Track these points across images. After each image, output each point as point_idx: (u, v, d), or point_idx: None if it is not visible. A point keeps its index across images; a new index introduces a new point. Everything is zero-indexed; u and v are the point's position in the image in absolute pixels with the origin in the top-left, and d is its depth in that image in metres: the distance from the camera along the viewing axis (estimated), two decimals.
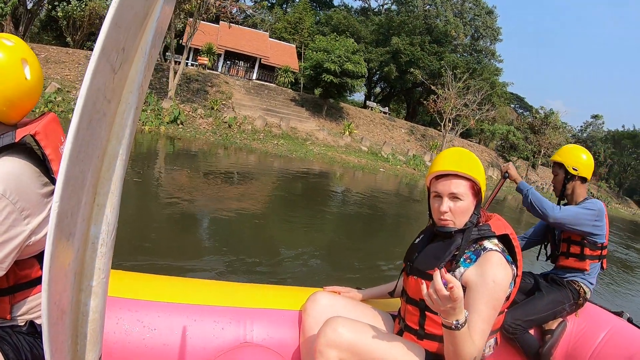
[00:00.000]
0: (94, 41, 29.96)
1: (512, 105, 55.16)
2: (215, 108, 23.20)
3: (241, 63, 35.13)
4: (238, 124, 22.58)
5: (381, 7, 54.34)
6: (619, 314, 2.89)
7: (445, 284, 1.49)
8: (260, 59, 33.04)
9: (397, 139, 31.93)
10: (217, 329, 2.11)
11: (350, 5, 55.77)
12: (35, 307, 1.56)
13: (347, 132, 27.39)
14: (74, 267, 0.86)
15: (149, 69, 0.92)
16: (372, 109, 35.01)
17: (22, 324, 1.54)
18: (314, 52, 28.14)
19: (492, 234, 1.85)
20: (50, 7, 26.42)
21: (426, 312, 1.85)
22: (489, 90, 34.70)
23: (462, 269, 1.80)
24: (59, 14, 26.60)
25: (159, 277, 2.30)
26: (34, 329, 1.55)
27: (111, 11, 0.73)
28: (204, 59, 32.64)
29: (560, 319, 2.85)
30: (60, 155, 1.52)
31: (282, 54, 35.45)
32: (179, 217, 7.07)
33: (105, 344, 1.89)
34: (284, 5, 50.78)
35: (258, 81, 32.00)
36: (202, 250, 5.70)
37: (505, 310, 1.95)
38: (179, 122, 20.35)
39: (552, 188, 3.13)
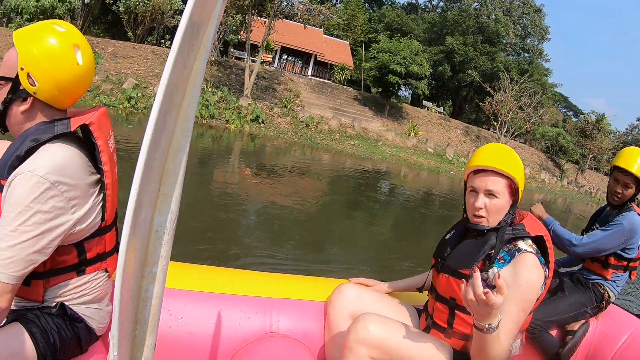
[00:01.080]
0: (156, 36, 30.54)
1: (558, 106, 53.06)
2: (288, 107, 23.28)
3: (296, 59, 35.31)
4: (315, 123, 22.63)
5: (429, 4, 53.33)
6: None
7: (486, 285, 1.45)
8: (316, 55, 33.08)
9: (454, 140, 31.44)
10: (243, 318, 2.11)
11: (396, 1, 54.53)
12: (68, 292, 1.57)
13: (413, 134, 27.12)
14: (139, 255, 0.89)
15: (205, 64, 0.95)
16: (428, 109, 34.42)
17: (53, 305, 1.56)
18: (379, 53, 28.00)
19: (527, 235, 1.79)
20: (111, 1, 26.67)
21: (456, 311, 1.83)
22: (541, 93, 33.93)
23: (495, 269, 1.74)
24: (120, 8, 26.70)
25: (187, 265, 2.30)
26: (63, 310, 1.57)
27: (188, 9, 0.76)
28: (268, 56, 32.89)
29: (583, 320, 2.74)
30: (109, 147, 1.57)
31: (337, 51, 35.39)
32: (253, 211, 7.25)
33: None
34: (335, 2, 50.47)
35: (317, 78, 32.07)
36: (253, 240, 5.78)
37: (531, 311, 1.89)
38: (260, 121, 20.56)
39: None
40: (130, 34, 27.89)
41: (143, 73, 22.41)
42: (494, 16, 43.18)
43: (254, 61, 23.28)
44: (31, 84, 1.42)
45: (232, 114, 19.81)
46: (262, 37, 23.02)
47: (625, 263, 2.74)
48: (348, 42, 36.15)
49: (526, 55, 47.70)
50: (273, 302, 2.20)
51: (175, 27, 30.00)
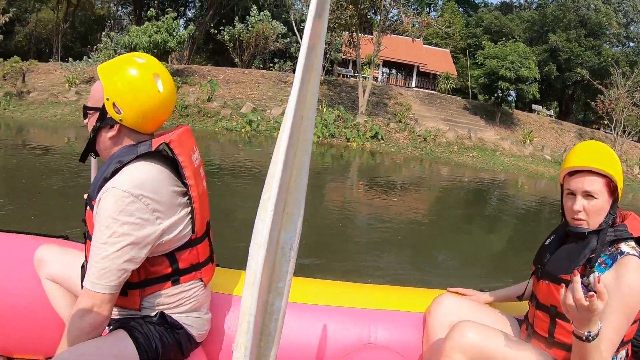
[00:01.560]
0: (261, 60, 31.82)
1: None
2: (403, 121, 23.13)
3: (398, 72, 35.06)
4: (432, 137, 22.33)
5: (524, 1, 50.47)
6: None
7: (587, 291, 1.40)
8: (419, 66, 32.63)
9: (570, 144, 29.14)
10: (342, 329, 2.13)
11: (490, 2, 52.05)
12: (165, 300, 1.65)
13: (528, 141, 25.76)
14: (268, 271, 0.93)
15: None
16: (538, 113, 32.42)
17: (153, 314, 1.64)
18: (486, 60, 27.02)
19: (630, 236, 1.69)
20: (215, 31, 28.30)
21: (557, 319, 1.75)
22: None
23: (596, 273, 1.58)
24: (225, 36, 28.12)
25: None
26: (164, 319, 1.65)
27: (306, 36, 0.80)
28: (376, 72, 33.01)
29: None
30: (193, 163, 1.65)
31: (438, 60, 34.75)
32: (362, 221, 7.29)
33: None
34: (429, 10, 49.49)
35: (423, 89, 31.59)
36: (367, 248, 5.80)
37: (638, 320, 1.76)
38: (379, 137, 20.63)
39: None
40: (237, 60, 29.13)
41: (257, 97, 23.29)
42: (593, 6, 39.55)
43: (364, 78, 23.34)
44: (117, 112, 1.54)
45: (352, 132, 19.91)
46: (372, 54, 23.03)
47: None
48: (448, 50, 35.20)
49: (631, 44, 43.69)
50: (372, 313, 2.21)
51: (279, 51, 31.07)
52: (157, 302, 1.64)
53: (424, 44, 37.12)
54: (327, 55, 29.30)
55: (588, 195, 1.72)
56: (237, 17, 29.36)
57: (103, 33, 24.59)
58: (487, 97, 28.53)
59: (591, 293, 1.36)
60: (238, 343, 0.89)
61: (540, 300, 1.83)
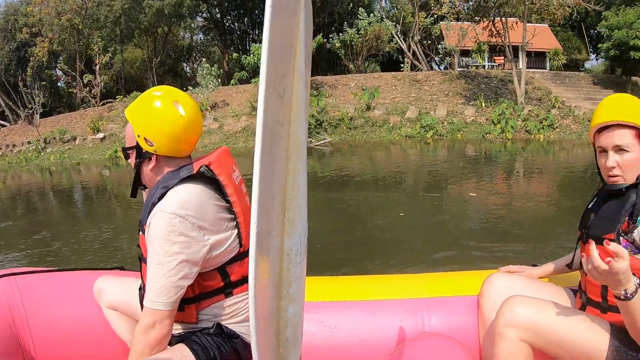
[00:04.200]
0: (377, 62, 31.22)
1: None
2: (556, 106, 21.05)
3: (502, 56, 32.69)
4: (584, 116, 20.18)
5: None
6: None
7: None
8: (523, 46, 29.99)
9: None
10: (395, 321, 2.09)
11: None
12: (220, 312, 1.70)
13: None
14: (274, 279, 0.91)
15: (307, 87, 0.95)
16: None
17: (210, 325, 1.69)
18: (614, 31, 24.59)
19: None
20: (324, 40, 27.11)
21: None
22: None
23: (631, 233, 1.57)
24: (336, 44, 27.20)
25: (335, 278, 2.37)
26: (220, 330, 1.69)
27: (265, 45, 0.76)
28: (500, 59, 31.32)
29: None
30: (233, 180, 1.69)
31: (540, 37, 31.00)
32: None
33: None
34: None
35: (537, 70, 29.15)
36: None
37: None
38: (555, 126, 18.66)
39: None
40: (351, 66, 28.67)
41: (402, 99, 22.25)
42: None
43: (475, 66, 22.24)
44: (150, 145, 1.63)
45: (531, 123, 18.40)
46: (522, 41, 21.30)
47: None
48: (547, 25, 31.99)
49: None
50: (423, 302, 2.16)
51: (391, 53, 30.33)
52: (213, 314, 1.70)
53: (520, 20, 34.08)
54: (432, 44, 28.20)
55: (620, 149, 1.66)
56: (345, 22, 29.02)
57: (203, 60, 25.04)
58: (619, 69, 26.50)
59: (608, 260, 1.36)
60: (253, 354, 0.88)
61: None
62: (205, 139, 18.39)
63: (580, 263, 1.81)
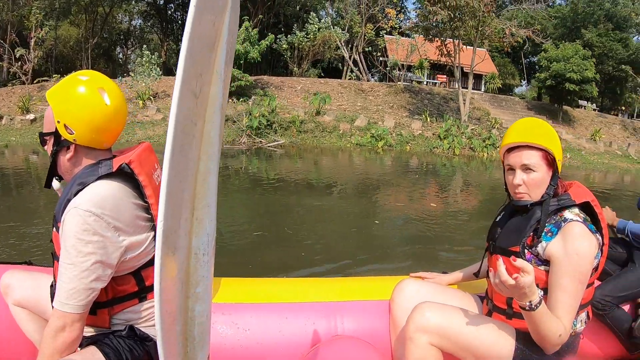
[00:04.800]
0: (320, 68, 30.69)
1: None
2: (496, 126, 21.87)
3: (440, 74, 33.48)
4: None
5: None
6: None
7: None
8: (463, 67, 30.73)
9: (618, 136, 28.37)
10: (308, 324, 2.09)
11: None
12: (133, 317, 1.63)
13: (598, 138, 25.17)
14: (181, 277, 0.90)
15: (226, 88, 0.94)
16: (584, 108, 31.76)
17: (122, 328, 1.61)
18: (553, 63, 26.86)
19: (573, 203, 1.72)
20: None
21: None
22: None
23: (544, 243, 1.68)
24: (283, 45, 26.33)
25: (250, 279, 2.33)
26: (133, 332, 1.61)
27: (184, 43, 0.75)
28: (442, 77, 32.08)
29: None
30: (153, 181, 1.61)
31: (478, 60, 32.90)
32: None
33: None
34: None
35: (474, 90, 30.26)
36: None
37: (595, 282, 1.81)
38: (496, 145, 18.77)
39: None
40: (295, 69, 28.16)
41: (349, 107, 22.15)
42: None
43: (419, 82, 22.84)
44: (69, 133, 1.51)
45: (480, 142, 18.91)
46: (471, 65, 22.15)
47: None
48: (485, 49, 33.52)
49: None
50: (337, 305, 2.18)
51: (332, 61, 30.27)
52: (126, 319, 1.63)
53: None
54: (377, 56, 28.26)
55: (527, 168, 1.73)
56: (295, 25, 28.35)
57: (144, 47, 22.76)
58: (554, 97, 28.58)
59: (515, 276, 1.43)
60: (159, 352, 0.86)
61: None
62: (149, 131, 17.56)
63: (488, 272, 1.91)
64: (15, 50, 22.46)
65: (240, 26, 20.95)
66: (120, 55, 43.53)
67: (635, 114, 37.01)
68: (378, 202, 8.70)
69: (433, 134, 19.61)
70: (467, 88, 22.48)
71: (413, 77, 29.63)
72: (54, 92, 1.54)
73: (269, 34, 22.78)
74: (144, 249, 1.57)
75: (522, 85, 43.62)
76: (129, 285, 1.59)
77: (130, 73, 24.19)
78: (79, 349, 1.53)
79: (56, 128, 1.53)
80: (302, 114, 18.91)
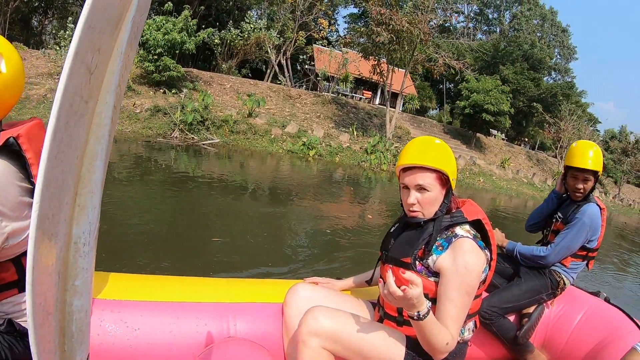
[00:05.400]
0: (249, 69, 29.77)
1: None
2: None
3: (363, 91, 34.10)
4: None
5: (463, 28, 51.02)
6: (596, 294, 2.79)
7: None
8: (384, 85, 31.38)
9: (523, 165, 31.30)
10: (200, 325, 2.04)
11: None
12: (12, 309, 1.49)
13: (507, 165, 27.29)
14: (58, 268, 0.81)
15: (126, 69, 0.87)
16: (495, 137, 34.49)
17: (0, 323, 1.47)
18: (473, 94, 28.92)
19: (464, 220, 1.78)
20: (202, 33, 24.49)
21: None
22: (582, 115, 37.41)
23: (434, 256, 1.73)
24: (215, 40, 25.36)
25: (141, 276, 2.24)
26: (12, 327, 1.48)
27: (84, 12, 0.68)
28: (368, 93, 32.65)
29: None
30: None
31: (397, 80, 33.98)
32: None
33: (90, 346, 1.83)
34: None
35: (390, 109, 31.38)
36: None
37: (483, 294, 1.88)
38: None
39: (575, 194, 2.77)
40: (224, 65, 27.20)
41: (277, 112, 21.79)
42: (529, 41, 43.51)
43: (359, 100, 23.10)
44: None
45: (385, 156, 19.25)
46: (400, 87, 22.90)
47: (584, 253, 2.72)
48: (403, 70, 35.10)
49: (554, 74, 49.08)
50: (230, 307, 2.13)
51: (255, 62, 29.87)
52: (4, 311, 1.48)
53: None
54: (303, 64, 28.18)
55: (421, 188, 1.77)
56: (230, 22, 27.56)
57: (69, 20, 20.56)
58: (469, 125, 30.70)
59: (403, 287, 1.47)
60: (32, 349, 0.78)
61: None
62: None
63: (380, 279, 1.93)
64: None
65: (176, 13, 20.23)
66: (36, 24, 39.28)
67: (536, 146, 41.16)
68: (301, 209, 8.68)
69: (360, 148, 20.01)
70: (394, 108, 23.16)
71: (340, 90, 30.03)
72: None
73: (202, 26, 22.10)
74: (27, 236, 1.42)
75: (436, 109, 45.83)
76: (7, 273, 1.44)
77: (46, 45, 22.04)
78: None
79: None
80: (234, 114, 18.51)
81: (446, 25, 34.66)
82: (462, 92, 30.43)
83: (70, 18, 22.20)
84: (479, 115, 28.74)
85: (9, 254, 1.41)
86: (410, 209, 1.80)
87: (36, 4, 36.33)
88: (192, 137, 15.73)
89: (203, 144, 15.52)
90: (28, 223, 1.40)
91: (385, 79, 23.09)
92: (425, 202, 1.77)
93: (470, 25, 51.81)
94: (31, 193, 1.42)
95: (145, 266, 4.13)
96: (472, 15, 51.65)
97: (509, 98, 29.31)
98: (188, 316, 2.04)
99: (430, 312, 1.57)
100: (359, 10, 45.42)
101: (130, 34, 0.83)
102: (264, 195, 9.48)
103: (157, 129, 15.75)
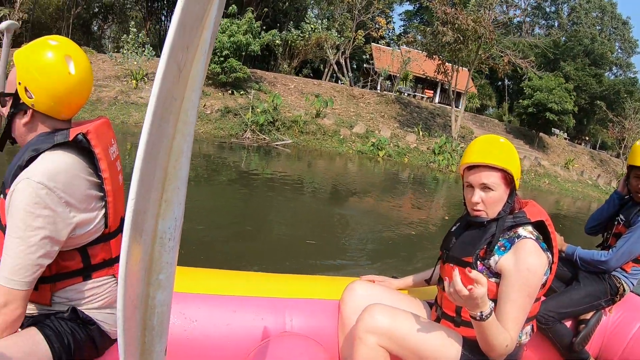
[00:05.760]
0: (310, 69, 30.32)
1: None
2: None
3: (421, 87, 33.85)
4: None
5: (520, 22, 48.54)
6: None
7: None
8: (443, 83, 30.61)
9: (587, 166, 29.93)
10: (257, 319, 2.07)
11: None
12: (77, 296, 1.56)
13: (571, 166, 26.45)
14: (145, 262, 0.83)
15: (206, 68, 0.87)
16: (557, 136, 33.04)
17: (64, 308, 1.54)
18: (536, 92, 27.94)
19: (527, 221, 1.77)
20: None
21: None
22: None
23: (496, 256, 1.73)
24: (276, 41, 25.16)
25: (201, 270, 2.28)
26: (76, 315, 1.55)
27: (177, 11, 0.69)
28: (430, 92, 32.31)
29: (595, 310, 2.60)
30: (109, 155, 1.55)
31: (460, 79, 33.43)
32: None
33: None
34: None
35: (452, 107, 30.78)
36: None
37: (542, 297, 1.86)
38: None
39: (639, 195, 2.63)
40: (285, 66, 27.52)
41: (343, 112, 21.73)
42: (590, 35, 41.54)
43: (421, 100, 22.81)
44: (29, 97, 1.44)
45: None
46: (465, 86, 22.91)
47: None
48: (466, 69, 34.33)
49: (615, 69, 46.27)
50: (287, 302, 2.16)
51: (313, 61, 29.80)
52: (68, 298, 1.56)
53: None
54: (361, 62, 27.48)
55: (485, 187, 1.77)
56: (291, 22, 27.81)
57: (132, 24, 21.58)
58: (532, 124, 29.74)
59: (470, 287, 1.46)
60: (119, 344, 0.81)
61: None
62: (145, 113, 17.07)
63: (439, 279, 1.94)
64: None
65: (239, 14, 20.51)
66: (96, 29, 41.66)
67: (597, 145, 39.49)
68: (376, 210, 8.76)
69: (427, 149, 19.80)
70: (459, 108, 22.73)
71: (402, 89, 29.78)
72: (21, 52, 1.46)
73: (263, 27, 22.33)
74: (93, 227, 1.51)
75: (494, 107, 44.97)
76: (73, 261, 1.52)
77: (106, 49, 22.86)
78: (19, 329, 1.46)
79: (17, 90, 1.45)
80: (302, 115, 18.60)
81: (509, 22, 33.79)
82: (525, 91, 29.48)
83: (132, 22, 22.99)
84: (543, 115, 27.82)
85: (75, 243, 1.50)
86: (474, 207, 1.81)
87: (96, 10, 38.10)
88: (264, 138, 15.92)
89: (276, 145, 15.71)
90: (94, 215, 1.51)
91: (450, 78, 22.61)
92: (489, 201, 1.77)
93: (527, 19, 49.94)
94: (98, 187, 1.53)
95: (207, 261, 4.23)
96: (529, 9, 49.90)
97: (572, 96, 28.21)
98: (246, 310, 2.09)
99: (493, 313, 1.58)
100: (414, 7, 44.88)
101: (212, 32, 0.83)
102: (342, 197, 9.62)
103: (229, 130, 16.07)
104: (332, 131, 18.41)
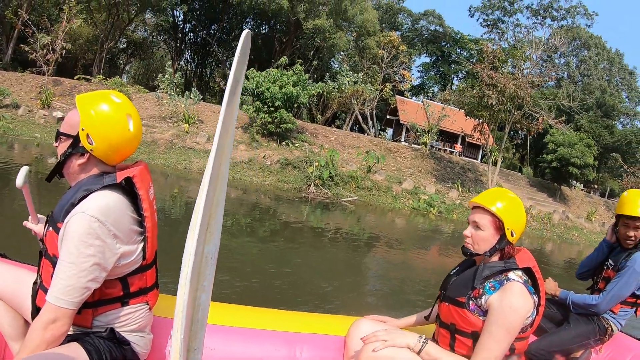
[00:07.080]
0: (346, 121, 29.41)
1: None
2: None
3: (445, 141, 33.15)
4: (547, 218, 21.50)
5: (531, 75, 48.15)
6: None
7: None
8: (465, 136, 30.27)
9: (604, 217, 28.64)
10: (270, 350, 2.17)
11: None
12: (114, 320, 1.66)
13: (593, 218, 25.75)
14: (196, 275, 1.13)
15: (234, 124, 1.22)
16: (574, 187, 32.12)
17: (103, 330, 1.64)
18: (560, 147, 27.77)
19: (516, 267, 1.86)
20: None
21: (456, 335, 1.90)
22: None
23: (486, 295, 1.82)
24: (312, 92, 23.42)
25: (219, 303, 2.36)
26: (113, 334, 1.64)
27: (235, 80, 1.10)
28: (459, 147, 31.89)
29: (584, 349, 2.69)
30: (149, 196, 1.68)
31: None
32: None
33: None
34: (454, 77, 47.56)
35: (473, 160, 30.37)
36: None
37: (531, 336, 1.96)
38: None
39: (627, 242, 2.73)
40: (319, 116, 27.15)
41: (385, 167, 20.77)
42: (599, 86, 40.74)
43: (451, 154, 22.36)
44: (89, 143, 1.57)
45: None
46: (501, 146, 22.94)
47: (634, 300, 2.70)
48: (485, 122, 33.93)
49: (622, 118, 44.85)
50: (298, 336, 2.28)
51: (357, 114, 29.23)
52: (107, 321, 1.65)
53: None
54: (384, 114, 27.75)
55: (476, 226, 1.92)
56: (327, 74, 27.23)
57: (168, 64, 21.40)
58: (556, 177, 29.37)
59: (363, 338, 1.88)
60: (175, 329, 1.06)
61: (442, 320, 1.98)
62: (205, 160, 15.58)
63: (437, 317, 2.08)
64: (40, 37, 20.03)
65: (284, 66, 20.09)
66: (121, 62, 41.27)
67: (607, 193, 38.42)
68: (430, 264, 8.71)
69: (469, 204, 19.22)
70: (496, 165, 22.85)
71: (434, 144, 29.30)
72: (86, 101, 1.59)
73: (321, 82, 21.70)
74: (134, 258, 1.63)
75: (510, 159, 44.52)
76: (115, 289, 1.63)
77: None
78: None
79: (78, 134, 1.57)
80: (357, 170, 18.11)
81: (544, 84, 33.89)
82: (549, 146, 29.22)
83: (168, 62, 23.05)
84: (566, 169, 27.68)
85: (118, 273, 1.62)
86: (465, 240, 1.97)
87: (125, 46, 37.80)
88: (326, 193, 15.46)
89: (343, 201, 15.27)
90: (135, 247, 1.63)
91: (487, 137, 22.77)
92: (476, 238, 1.91)
93: (537, 71, 49.74)
94: (139, 223, 1.65)
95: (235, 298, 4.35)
96: (540, 61, 49.78)
97: (592, 151, 27.74)
98: (260, 342, 2.21)
99: (429, 342, 1.86)
100: (430, 60, 45.24)
101: (239, 91, 1.20)
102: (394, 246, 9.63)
103: (293, 183, 15.67)
104: (385, 187, 18.10)
